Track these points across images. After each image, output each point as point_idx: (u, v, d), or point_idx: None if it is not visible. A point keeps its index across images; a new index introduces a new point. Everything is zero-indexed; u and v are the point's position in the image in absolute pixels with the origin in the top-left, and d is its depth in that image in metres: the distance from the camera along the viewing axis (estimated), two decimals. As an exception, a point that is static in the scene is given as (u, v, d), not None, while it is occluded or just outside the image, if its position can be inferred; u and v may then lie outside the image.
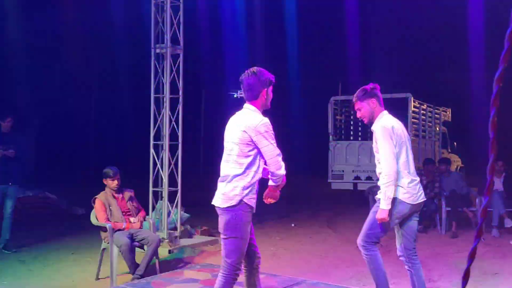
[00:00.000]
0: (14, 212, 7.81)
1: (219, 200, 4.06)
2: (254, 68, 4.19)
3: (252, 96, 4.12)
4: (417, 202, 4.52)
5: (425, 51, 22.41)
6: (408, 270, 4.68)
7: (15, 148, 7.63)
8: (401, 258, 4.72)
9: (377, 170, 4.58)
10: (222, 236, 4.10)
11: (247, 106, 4.15)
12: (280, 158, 3.99)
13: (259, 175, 4.05)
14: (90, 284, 6.09)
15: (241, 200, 3.98)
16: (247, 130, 3.97)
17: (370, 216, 4.65)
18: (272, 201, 4.17)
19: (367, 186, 11.20)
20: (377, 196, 4.50)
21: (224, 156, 4.14)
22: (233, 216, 3.98)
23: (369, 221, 4.63)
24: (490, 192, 1.44)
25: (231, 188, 4.00)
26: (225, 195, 4.02)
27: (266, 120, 4.04)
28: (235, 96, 14.03)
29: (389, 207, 4.38)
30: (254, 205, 4.05)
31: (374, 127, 4.62)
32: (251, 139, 3.96)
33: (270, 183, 4.08)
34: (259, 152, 3.99)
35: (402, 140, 4.52)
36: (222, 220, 4.04)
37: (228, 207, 3.99)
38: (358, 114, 4.78)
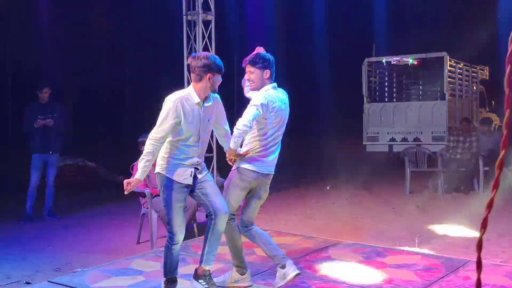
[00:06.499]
0: (56, 180, 8.05)
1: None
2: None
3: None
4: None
5: (460, 7, 21.75)
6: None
7: (54, 118, 7.80)
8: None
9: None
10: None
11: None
12: None
13: None
14: (131, 248, 6.27)
15: None
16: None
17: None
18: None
19: (403, 148, 11.09)
20: None
21: (279, 129, 4.36)
22: None
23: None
24: (505, 146, 1.49)
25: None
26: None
27: None
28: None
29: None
30: None
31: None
32: None
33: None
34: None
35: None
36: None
37: None
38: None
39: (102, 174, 11.64)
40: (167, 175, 4.09)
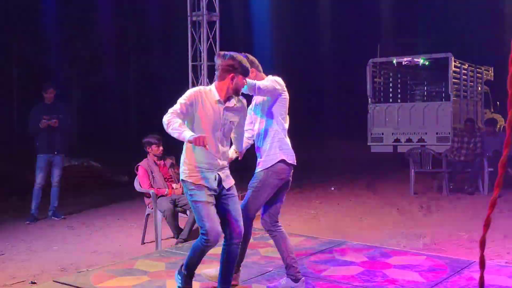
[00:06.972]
0: (61, 181, 8.07)
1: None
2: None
3: None
4: None
5: (465, 8, 21.73)
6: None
7: (59, 118, 7.83)
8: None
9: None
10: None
11: None
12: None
13: None
14: (136, 248, 6.28)
15: None
16: None
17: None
18: None
19: (407, 148, 11.08)
20: None
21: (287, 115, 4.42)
22: None
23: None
24: (508, 145, 1.47)
25: None
26: None
27: None
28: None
29: None
30: None
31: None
32: None
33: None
34: None
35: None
36: None
37: None
38: None
39: (107, 175, 11.68)
40: (191, 181, 3.94)
